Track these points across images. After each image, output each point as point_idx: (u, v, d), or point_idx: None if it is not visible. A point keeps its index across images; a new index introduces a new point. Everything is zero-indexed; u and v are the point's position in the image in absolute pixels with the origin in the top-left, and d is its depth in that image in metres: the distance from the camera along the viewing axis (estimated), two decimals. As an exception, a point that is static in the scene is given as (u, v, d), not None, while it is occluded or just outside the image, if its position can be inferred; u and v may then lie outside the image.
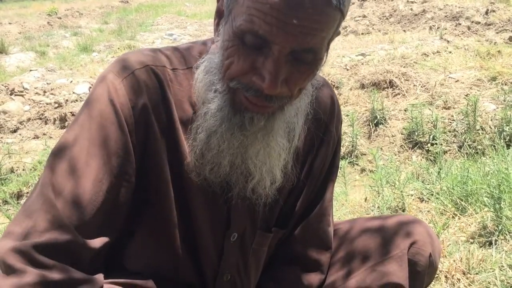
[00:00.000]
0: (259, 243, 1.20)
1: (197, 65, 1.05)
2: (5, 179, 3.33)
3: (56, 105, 4.78)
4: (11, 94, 5.10)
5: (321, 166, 1.24)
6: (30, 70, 6.42)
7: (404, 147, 3.51)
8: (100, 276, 0.97)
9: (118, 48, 8.03)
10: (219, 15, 1.01)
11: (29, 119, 4.59)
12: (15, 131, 4.45)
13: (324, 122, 1.23)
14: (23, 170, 3.47)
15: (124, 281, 1.04)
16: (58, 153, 0.98)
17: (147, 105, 1.02)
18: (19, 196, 3.08)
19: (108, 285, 1.00)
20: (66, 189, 0.94)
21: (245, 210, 1.13)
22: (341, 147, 3.51)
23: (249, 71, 0.92)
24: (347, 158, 3.39)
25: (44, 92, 5.21)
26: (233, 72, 0.94)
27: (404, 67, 5.01)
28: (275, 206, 1.17)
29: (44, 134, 4.31)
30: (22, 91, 5.19)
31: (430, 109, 3.77)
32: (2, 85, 5.25)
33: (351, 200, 2.78)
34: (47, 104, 4.82)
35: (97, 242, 0.97)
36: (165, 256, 1.11)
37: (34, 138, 4.29)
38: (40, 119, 4.59)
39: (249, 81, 0.92)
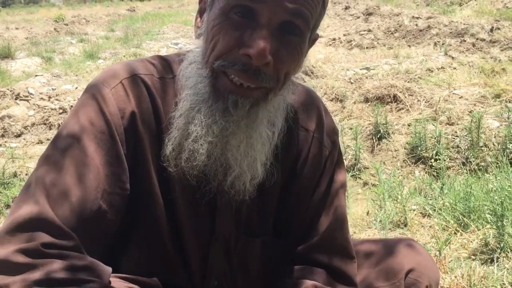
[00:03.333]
0: (244, 248, 1.16)
1: (180, 59, 1.06)
2: (8, 183, 3.33)
3: (61, 110, 4.79)
4: (16, 99, 5.13)
5: (317, 180, 1.18)
6: (36, 76, 6.46)
7: (407, 161, 3.51)
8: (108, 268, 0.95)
9: (124, 56, 8.07)
10: (201, 13, 1.03)
11: (33, 124, 4.60)
12: (19, 135, 4.47)
13: (312, 134, 1.18)
14: (26, 174, 3.47)
15: (129, 276, 1.03)
16: (48, 163, 0.96)
17: (136, 114, 1.02)
18: (21, 200, 3.08)
19: (114, 278, 0.98)
20: (60, 200, 0.92)
21: (230, 214, 1.11)
22: (344, 160, 3.52)
23: (235, 46, 0.91)
24: (349, 171, 3.39)
25: (49, 97, 5.23)
26: (218, 50, 0.93)
27: (408, 82, 5.02)
28: (260, 210, 1.13)
29: (48, 139, 4.32)
30: (27, 96, 5.21)
31: (433, 125, 3.77)
32: (8, 89, 5.28)
33: (353, 213, 2.77)
34: (51, 109, 4.84)
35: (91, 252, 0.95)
36: (155, 261, 1.10)
37: (38, 143, 4.30)
38: (45, 124, 4.61)
39: (235, 56, 0.92)
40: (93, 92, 1.02)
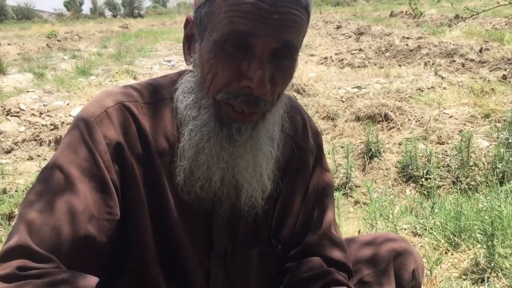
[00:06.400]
0: (242, 259, 1.19)
1: (174, 88, 1.10)
2: (-3, 200, 3.30)
3: (52, 127, 4.78)
4: (7, 115, 5.10)
5: (307, 184, 1.25)
6: (27, 91, 6.43)
7: (398, 180, 3.53)
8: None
9: (116, 73, 8.08)
10: (189, 39, 1.08)
11: (24, 140, 4.57)
12: (9, 151, 4.43)
13: (298, 141, 1.25)
14: (16, 191, 3.44)
15: None
16: (34, 193, 0.98)
17: (122, 140, 1.05)
18: (10, 217, 3.05)
19: None
20: (44, 227, 0.93)
21: (225, 227, 1.14)
22: (335, 178, 3.53)
23: (235, 78, 0.96)
24: (341, 190, 3.39)
25: (40, 113, 5.21)
26: (219, 83, 0.98)
27: (399, 101, 5.07)
28: (257, 221, 1.17)
29: (38, 155, 4.30)
30: (18, 112, 5.19)
31: (424, 144, 3.80)
32: (-1, 105, 5.26)
33: (345, 232, 2.77)
34: (42, 125, 4.81)
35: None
36: (151, 284, 1.10)
37: (28, 159, 4.27)
38: (35, 140, 4.58)
39: (236, 88, 0.97)
40: (78, 122, 1.05)
